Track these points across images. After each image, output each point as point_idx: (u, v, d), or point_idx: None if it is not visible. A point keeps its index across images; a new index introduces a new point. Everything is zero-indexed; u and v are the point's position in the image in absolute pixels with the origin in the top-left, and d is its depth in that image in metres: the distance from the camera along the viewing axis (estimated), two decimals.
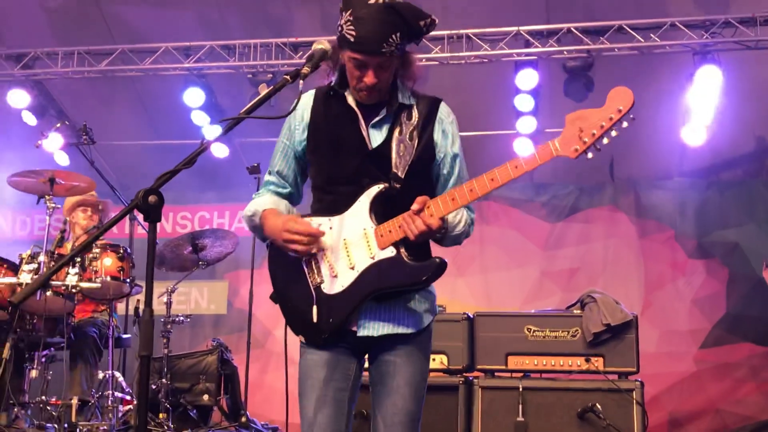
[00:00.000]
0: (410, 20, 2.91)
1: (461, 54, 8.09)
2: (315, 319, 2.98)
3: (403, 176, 2.97)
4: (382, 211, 2.96)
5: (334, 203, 3.04)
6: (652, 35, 7.77)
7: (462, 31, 8.05)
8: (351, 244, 2.97)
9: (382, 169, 2.99)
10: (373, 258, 2.93)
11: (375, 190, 2.97)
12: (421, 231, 2.83)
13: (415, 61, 3.09)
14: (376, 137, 3.03)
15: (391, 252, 2.92)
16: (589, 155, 2.74)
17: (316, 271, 3.01)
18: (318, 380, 2.99)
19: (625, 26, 7.81)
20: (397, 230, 2.90)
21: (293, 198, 3.23)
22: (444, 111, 3.12)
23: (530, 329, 5.94)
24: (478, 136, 8.60)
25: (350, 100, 3.07)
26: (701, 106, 8.02)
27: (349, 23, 2.88)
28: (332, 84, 3.09)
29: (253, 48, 8.40)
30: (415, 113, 3.07)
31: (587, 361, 5.83)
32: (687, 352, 8.76)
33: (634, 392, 5.61)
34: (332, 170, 3.07)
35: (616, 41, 7.87)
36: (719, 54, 7.72)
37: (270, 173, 3.21)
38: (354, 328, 2.98)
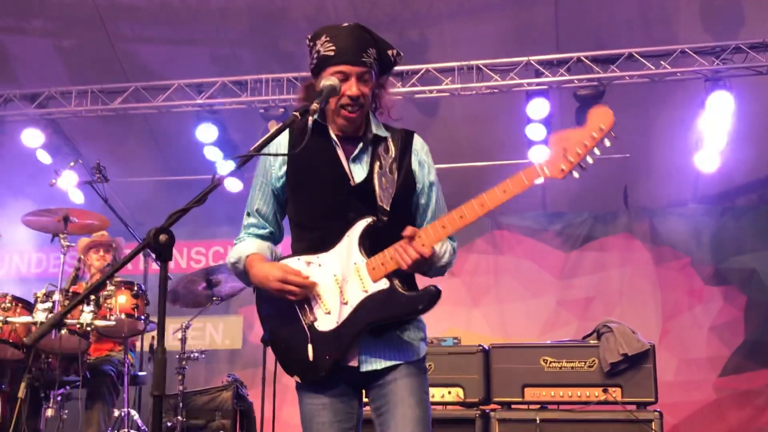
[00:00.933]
0: (380, 43, 3.07)
1: (472, 85, 8.11)
2: (311, 358, 2.97)
3: (388, 209, 3.00)
4: (369, 244, 2.98)
5: (318, 240, 3.05)
6: (662, 62, 7.76)
7: (472, 62, 8.08)
8: (342, 279, 2.97)
9: (367, 203, 3.02)
10: (366, 291, 2.94)
11: (363, 224, 2.99)
12: (415, 260, 2.85)
13: (386, 93, 3.20)
14: (357, 172, 3.06)
15: (384, 284, 2.93)
16: (576, 175, 2.77)
17: (308, 309, 3.01)
18: (323, 423, 3.00)
19: (635, 54, 7.82)
20: (389, 262, 2.91)
21: (275, 237, 3.24)
22: (418, 142, 3.19)
23: (546, 360, 5.89)
24: (490, 166, 8.60)
25: (332, 133, 3.10)
26: (714, 132, 8.00)
27: (326, 43, 3.01)
28: (314, 118, 3.05)
29: (265, 83, 8.45)
30: (391, 146, 3.12)
31: (605, 392, 5.78)
32: (706, 380, 8.68)
33: (653, 423, 5.56)
34: (315, 206, 3.09)
35: (626, 69, 7.87)
36: (730, 80, 7.71)
37: (249, 214, 3.22)
38: (353, 364, 2.98)
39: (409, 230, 2.86)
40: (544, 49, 8.07)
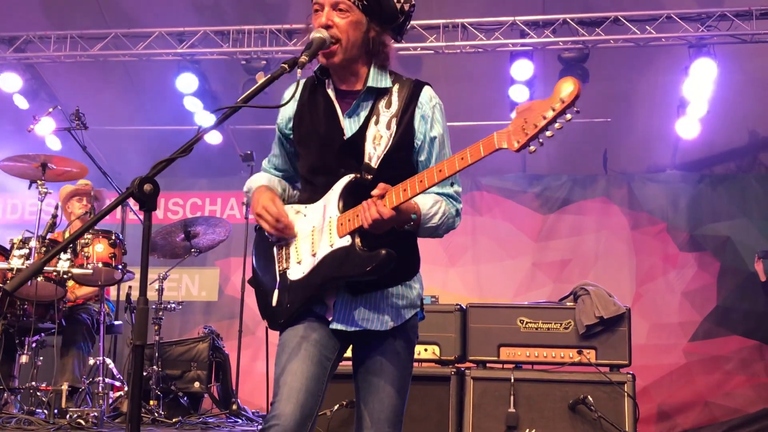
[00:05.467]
0: None
1: (456, 43, 8.07)
2: (274, 304, 2.95)
3: (376, 167, 2.88)
4: (351, 201, 2.86)
5: (313, 192, 3.00)
6: (648, 27, 7.76)
7: (458, 21, 8.03)
8: (317, 231, 2.91)
9: (357, 159, 2.91)
10: (332, 246, 2.85)
11: (346, 179, 2.89)
12: (374, 219, 2.71)
13: (388, 42, 3.00)
14: (351, 127, 2.96)
15: (346, 241, 2.82)
16: (532, 148, 2.56)
17: (285, 256, 2.97)
18: (295, 343, 2.86)
19: (621, 18, 7.81)
20: (354, 219, 2.81)
21: (292, 179, 3.21)
22: (426, 95, 2.98)
23: (523, 321, 5.93)
24: (472, 126, 8.58)
25: (330, 89, 3.01)
26: (696, 99, 8.03)
27: None
28: (314, 71, 3.01)
29: (248, 34, 8.36)
30: (394, 100, 2.96)
31: (579, 353, 5.83)
32: (677, 345, 8.80)
33: (625, 385, 5.62)
34: (313, 161, 3.02)
35: (611, 33, 7.87)
36: (715, 47, 7.72)
37: (274, 156, 3.22)
38: (329, 317, 2.90)
39: (380, 187, 2.73)
40: (530, 10, 8.04)
